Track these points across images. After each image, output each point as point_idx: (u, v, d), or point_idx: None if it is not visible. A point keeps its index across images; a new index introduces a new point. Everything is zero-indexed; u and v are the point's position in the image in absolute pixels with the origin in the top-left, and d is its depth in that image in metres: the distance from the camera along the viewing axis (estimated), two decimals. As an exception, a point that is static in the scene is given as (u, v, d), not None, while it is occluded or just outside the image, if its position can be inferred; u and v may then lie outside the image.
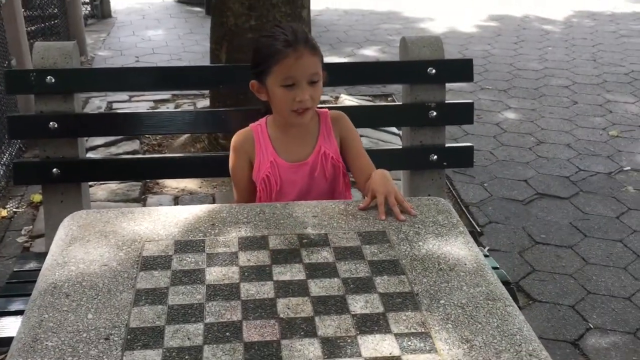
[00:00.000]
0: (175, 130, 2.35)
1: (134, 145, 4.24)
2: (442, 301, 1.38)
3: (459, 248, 1.60)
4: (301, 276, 1.45)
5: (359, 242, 1.60)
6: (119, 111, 4.45)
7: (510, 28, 7.91)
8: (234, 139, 2.06)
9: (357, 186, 2.06)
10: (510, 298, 1.42)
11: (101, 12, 7.69)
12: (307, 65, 1.88)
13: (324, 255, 1.53)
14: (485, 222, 3.61)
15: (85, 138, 4.13)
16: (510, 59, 6.66)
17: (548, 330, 2.78)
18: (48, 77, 2.18)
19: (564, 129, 4.92)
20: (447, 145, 2.42)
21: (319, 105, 2.05)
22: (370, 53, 6.81)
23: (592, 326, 2.81)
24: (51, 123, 2.20)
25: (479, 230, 3.51)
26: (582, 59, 6.69)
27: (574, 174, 4.19)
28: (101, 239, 1.59)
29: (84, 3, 7.26)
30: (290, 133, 2.02)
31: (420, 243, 1.61)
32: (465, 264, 1.53)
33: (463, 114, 2.45)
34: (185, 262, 1.50)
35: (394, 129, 4.55)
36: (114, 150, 4.17)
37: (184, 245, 1.57)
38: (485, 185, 4.03)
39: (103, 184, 3.65)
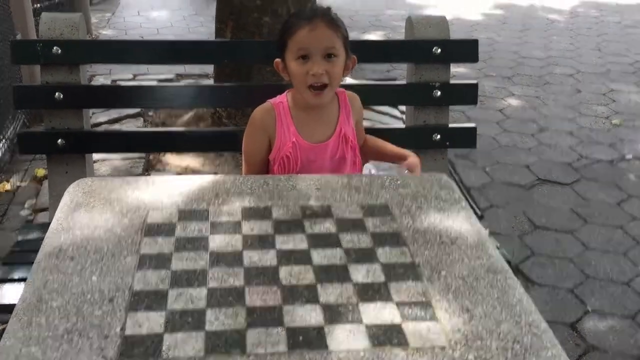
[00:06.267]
0: (179, 104, 2.36)
1: (138, 123, 4.25)
2: (443, 272, 1.39)
3: (460, 223, 1.61)
4: (304, 246, 1.46)
5: (361, 215, 1.60)
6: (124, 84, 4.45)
7: (515, 16, 7.89)
8: (255, 114, 2.02)
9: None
10: (511, 271, 1.43)
11: (107, -8, 7.69)
12: (322, 37, 1.85)
13: (327, 227, 1.54)
14: (487, 206, 3.62)
15: (90, 113, 4.16)
16: (515, 46, 6.65)
17: (547, 313, 2.79)
18: (54, 48, 2.18)
19: (567, 116, 4.92)
20: (450, 125, 2.43)
21: None
22: (375, 38, 6.80)
23: (590, 309, 2.83)
24: (57, 93, 2.21)
25: (479, 213, 3.53)
26: (587, 48, 6.68)
27: (576, 161, 4.20)
28: (106, 205, 1.60)
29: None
30: (311, 112, 1.98)
31: (423, 217, 1.62)
32: (467, 238, 1.54)
33: (467, 94, 2.45)
34: (189, 229, 1.51)
35: (396, 113, 4.55)
36: (117, 127, 4.18)
37: (187, 214, 1.57)
38: (487, 170, 4.04)
39: (106, 160, 3.66)
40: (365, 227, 1.55)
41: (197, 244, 1.46)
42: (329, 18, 1.89)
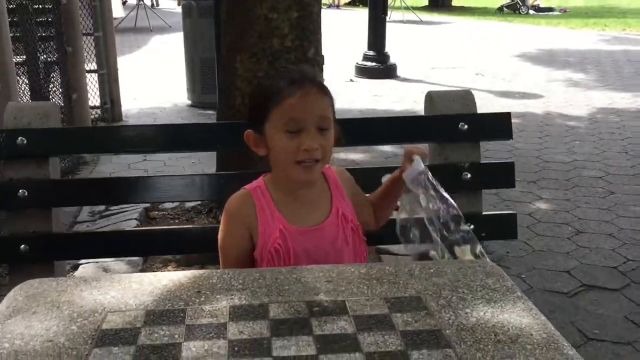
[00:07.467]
0: (166, 197, 2.02)
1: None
2: (506, 381, 0.99)
3: (519, 315, 1.22)
4: (310, 351, 1.07)
5: (386, 310, 1.21)
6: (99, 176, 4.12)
7: (532, 124, 7.65)
8: (229, 204, 1.65)
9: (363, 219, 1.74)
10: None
11: (112, 115, 7.52)
12: (316, 106, 1.54)
13: (341, 325, 1.15)
14: (528, 316, 3.17)
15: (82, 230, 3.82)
16: (536, 152, 6.35)
17: None
18: (19, 139, 1.88)
19: (604, 218, 4.52)
20: (484, 213, 2.06)
21: None
22: (389, 149, 6.53)
23: None
24: (21, 191, 1.88)
25: (521, 325, 3.08)
26: (613, 151, 6.37)
27: (622, 264, 3.76)
28: (52, 310, 1.22)
29: (94, 107, 7.10)
30: (297, 195, 1.64)
31: (468, 310, 1.23)
32: (532, 335, 1.14)
33: (502, 176, 2.10)
34: (156, 335, 1.12)
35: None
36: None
37: (157, 316, 1.19)
38: (523, 276, 3.61)
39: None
40: (393, 324, 1.16)
41: (165, 353, 1.07)
42: (319, 83, 1.60)
